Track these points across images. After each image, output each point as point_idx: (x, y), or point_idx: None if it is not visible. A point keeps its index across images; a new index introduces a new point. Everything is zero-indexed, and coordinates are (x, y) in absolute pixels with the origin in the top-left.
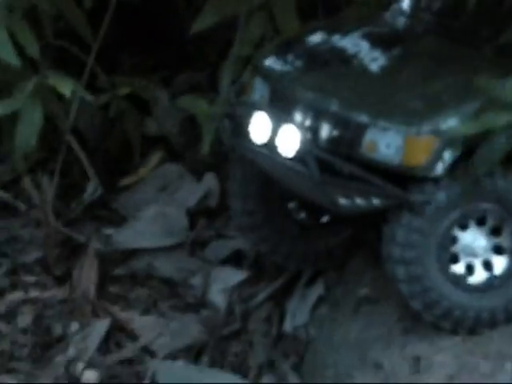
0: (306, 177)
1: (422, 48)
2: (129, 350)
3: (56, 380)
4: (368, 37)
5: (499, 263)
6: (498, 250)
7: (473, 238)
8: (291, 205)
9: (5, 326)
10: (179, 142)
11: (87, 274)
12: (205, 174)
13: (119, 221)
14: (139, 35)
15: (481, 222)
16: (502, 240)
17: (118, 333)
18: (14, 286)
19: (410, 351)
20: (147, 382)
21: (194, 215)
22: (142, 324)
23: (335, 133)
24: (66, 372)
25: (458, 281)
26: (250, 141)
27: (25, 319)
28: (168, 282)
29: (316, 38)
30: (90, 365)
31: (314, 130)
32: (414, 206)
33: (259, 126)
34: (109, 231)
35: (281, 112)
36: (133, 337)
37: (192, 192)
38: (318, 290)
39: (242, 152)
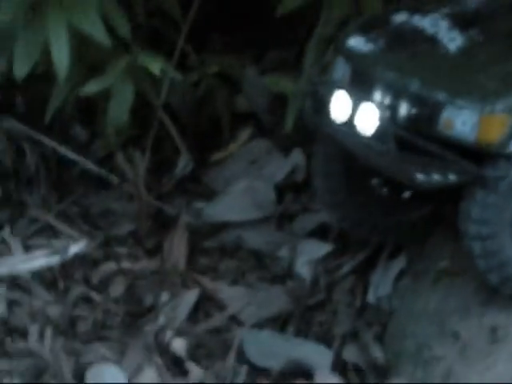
0: (384, 154)
1: (500, 28)
2: (217, 319)
3: (146, 348)
4: (448, 17)
5: None
6: None
7: None
8: (374, 181)
9: (98, 295)
10: (268, 119)
11: (177, 247)
12: (292, 150)
13: (209, 195)
14: (229, 14)
15: None
16: None
17: (206, 303)
18: (106, 258)
19: (488, 322)
20: (234, 350)
21: (281, 189)
22: (230, 294)
23: (413, 111)
24: (155, 340)
25: None
26: (330, 119)
27: (117, 289)
28: (256, 254)
29: (397, 18)
30: (178, 333)
31: (393, 109)
32: (489, 182)
33: (339, 105)
34: (199, 205)
35: (360, 91)
36: (221, 307)
37: (280, 167)
38: (400, 262)
39: (323, 130)
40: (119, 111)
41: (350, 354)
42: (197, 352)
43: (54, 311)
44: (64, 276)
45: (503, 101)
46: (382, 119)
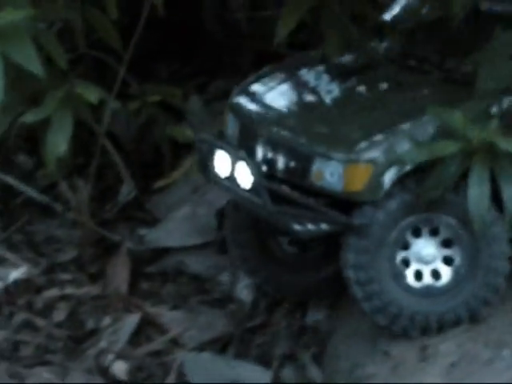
0: (260, 207)
1: (372, 79)
2: (158, 342)
3: (87, 371)
4: (330, 70)
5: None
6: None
7: (423, 250)
8: (281, 238)
9: (41, 320)
10: None
11: (120, 272)
12: None
13: (152, 221)
14: (175, 45)
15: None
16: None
17: (148, 327)
18: (50, 284)
19: (417, 341)
20: (175, 372)
21: (222, 216)
22: (171, 318)
23: (289, 164)
24: (96, 363)
25: (413, 290)
26: (215, 173)
27: (60, 314)
28: (197, 278)
29: (282, 74)
30: (119, 356)
31: (272, 162)
32: (358, 230)
33: (220, 162)
34: (142, 231)
35: (242, 147)
36: (162, 331)
37: (221, 194)
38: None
39: (210, 182)
40: (59, 140)
41: (289, 374)
42: (137, 375)
43: None
44: (8, 302)
45: (365, 150)
46: (255, 174)
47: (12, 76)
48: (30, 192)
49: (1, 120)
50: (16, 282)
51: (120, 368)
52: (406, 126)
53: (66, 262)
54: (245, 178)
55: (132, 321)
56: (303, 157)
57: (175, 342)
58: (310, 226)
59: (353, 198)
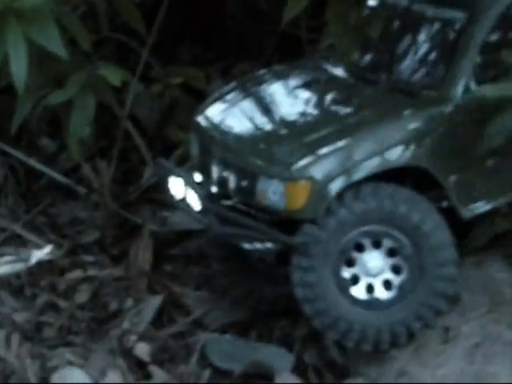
0: (209, 227)
1: (325, 92)
2: (180, 324)
3: (110, 352)
4: (283, 86)
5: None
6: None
7: (369, 264)
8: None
9: (64, 302)
10: None
11: (142, 254)
12: None
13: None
14: (198, 27)
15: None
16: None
17: (170, 308)
18: (73, 265)
19: (440, 322)
20: (197, 353)
21: None
22: (194, 300)
23: (239, 183)
24: (119, 344)
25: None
26: (171, 195)
27: (82, 296)
28: None
29: (238, 92)
30: (142, 338)
31: (225, 182)
32: (300, 248)
33: (175, 186)
34: (164, 214)
35: (189, 173)
36: (185, 312)
37: None
38: None
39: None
40: (81, 122)
41: (311, 356)
42: (160, 356)
43: (21, 317)
44: (31, 283)
45: (304, 168)
46: (202, 199)
47: (35, 58)
48: (53, 174)
49: (24, 102)
50: (39, 264)
51: (143, 349)
52: (344, 143)
53: (88, 243)
54: (194, 201)
55: (155, 302)
56: (249, 176)
57: (198, 324)
58: (258, 245)
59: (294, 216)
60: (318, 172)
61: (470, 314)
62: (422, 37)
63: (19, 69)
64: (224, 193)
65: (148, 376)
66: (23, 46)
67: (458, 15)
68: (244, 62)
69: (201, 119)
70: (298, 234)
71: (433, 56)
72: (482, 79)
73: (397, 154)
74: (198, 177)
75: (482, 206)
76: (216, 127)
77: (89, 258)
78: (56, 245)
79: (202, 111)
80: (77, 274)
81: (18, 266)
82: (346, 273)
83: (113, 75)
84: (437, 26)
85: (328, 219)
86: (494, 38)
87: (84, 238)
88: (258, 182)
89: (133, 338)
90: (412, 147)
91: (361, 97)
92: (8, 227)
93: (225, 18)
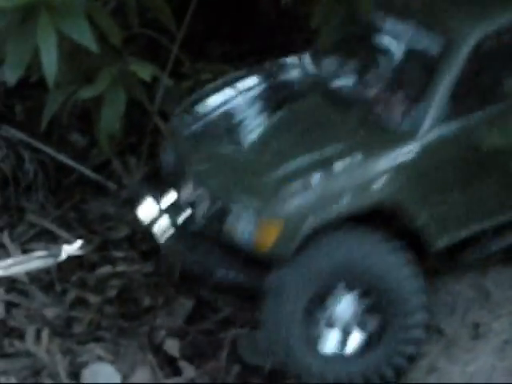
0: (180, 254)
1: (301, 110)
2: (210, 321)
3: (140, 348)
4: (259, 98)
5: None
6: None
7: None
8: None
9: (93, 297)
10: None
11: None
12: None
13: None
14: (229, 24)
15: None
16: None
17: (201, 305)
18: (103, 261)
19: (470, 319)
20: (226, 349)
21: None
22: (225, 298)
23: (209, 212)
24: (148, 340)
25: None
26: (144, 218)
27: (112, 291)
28: None
29: (212, 103)
30: (171, 334)
31: (194, 206)
32: (270, 286)
33: (147, 208)
34: None
35: (161, 198)
36: (215, 309)
37: None
38: None
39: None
40: (112, 118)
41: None
42: (190, 351)
43: (51, 313)
44: (61, 279)
45: (275, 205)
46: (174, 226)
47: (66, 52)
48: (83, 170)
49: (54, 97)
50: (69, 259)
51: (172, 345)
52: (317, 177)
53: (118, 239)
54: (165, 225)
55: (187, 302)
56: (218, 209)
57: (228, 321)
58: (231, 276)
59: (264, 254)
60: (290, 210)
61: (500, 311)
62: (395, 64)
63: (50, 63)
64: (192, 218)
65: (177, 372)
66: (54, 39)
67: (435, 40)
68: (273, 59)
69: (177, 127)
70: (272, 273)
71: (404, 87)
72: (454, 113)
73: (371, 191)
74: (170, 196)
75: (455, 236)
76: (190, 143)
77: (118, 254)
78: (86, 240)
79: (176, 118)
80: (106, 269)
81: (48, 262)
82: (319, 320)
83: (143, 71)
84: (412, 53)
85: (296, 263)
86: (469, 69)
87: (114, 234)
88: (228, 215)
89: (162, 333)
90: (386, 183)
91: (334, 125)
92: (38, 223)
93: (254, 14)
